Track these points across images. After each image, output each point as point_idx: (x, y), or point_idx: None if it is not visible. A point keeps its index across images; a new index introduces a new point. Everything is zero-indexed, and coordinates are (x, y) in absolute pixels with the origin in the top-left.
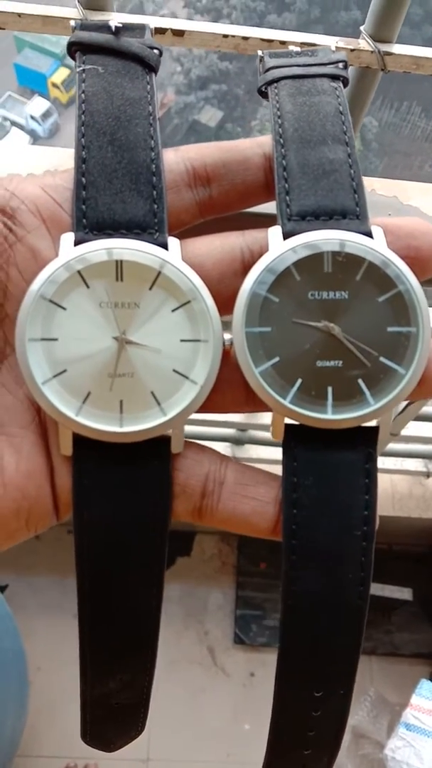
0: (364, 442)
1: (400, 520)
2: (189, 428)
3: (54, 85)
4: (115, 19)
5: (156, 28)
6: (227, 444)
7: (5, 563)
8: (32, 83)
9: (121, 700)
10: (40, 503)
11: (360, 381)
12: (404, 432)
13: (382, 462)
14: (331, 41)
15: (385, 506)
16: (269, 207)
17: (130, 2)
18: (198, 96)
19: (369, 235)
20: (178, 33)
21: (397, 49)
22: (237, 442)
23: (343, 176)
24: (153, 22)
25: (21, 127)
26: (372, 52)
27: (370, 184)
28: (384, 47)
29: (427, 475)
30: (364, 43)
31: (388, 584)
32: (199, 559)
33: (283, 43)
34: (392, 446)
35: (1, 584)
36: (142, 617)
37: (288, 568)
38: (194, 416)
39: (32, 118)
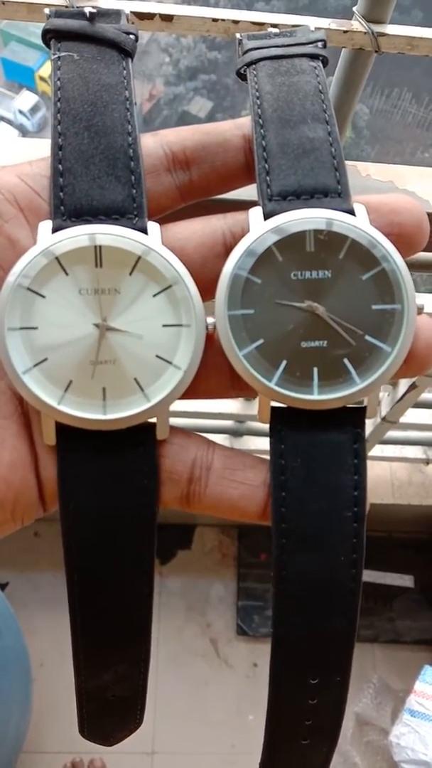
0: (351, 422)
1: (400, 507)
2: (185, 421)
3: (42, 78)
4: (96, 4)
5: (143, 14)
6: (225, 436)
7: (5, 561)
8: (20, 77)
9: (117, 692)
10: (25, 494)
11: (345, 360)
12: (403, 419)
13: (381, 450)
14: (323, 23)
15: (385, 494)
16: (252, 193)
17: None
18: (187, 87)
19: (351, 212)
20: (167, 18)
21: (391, 29)
22: (235, 433)
23: (323, 154)
24: (140, 7)
25: (9, 122)
26: (365, 33)
27: (365, 169)
28: (377, 28)
29: (427, 462)
30: (357, 24)
31: (389, 572)
32: (200, 552)
33: (274, 26)
34: (391, 434)
35: (2, 582)
36: (134, 607)
37: (278, 553)
38: (190, 408)
39: (20, 112)
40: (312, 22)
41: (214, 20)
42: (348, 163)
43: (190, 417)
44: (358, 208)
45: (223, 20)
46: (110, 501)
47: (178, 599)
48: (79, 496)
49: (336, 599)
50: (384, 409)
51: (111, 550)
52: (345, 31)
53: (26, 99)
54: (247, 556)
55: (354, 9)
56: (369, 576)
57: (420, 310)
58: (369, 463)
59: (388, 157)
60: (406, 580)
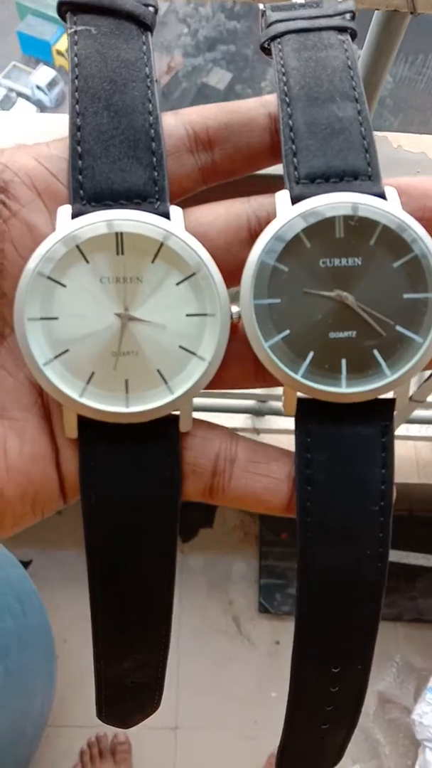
0: (380, 415)
1: (425, 486)
2: (207, 401)
3: (59, 52)
4: None
5: None
6: (248, 416)
7: (28, 539)
8: (37, 51)
9: (137, 679)
10: (45, 487)
11: (375, 352)
12: (429, 398)
13: (406, 429)
14: None
15: (409, 473)
16: (276, 168)
17: None
18: (206, 58)
19: (382, 196)
20: None
21: None
22: (257, 413)
23: (353, 135)
24: None
25: (27, 97)
26: None
27: (396, 140)
28: None
29: None
30: None
31: (412, 550)
32: (222, 530)
33: None
34: (416, 413)
35: (25, 560)
36: (155, 598)
37: (303, 546)
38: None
39: (38, 88)
40: None
41: None
42: (378, 133)
43: (212, 397)
44: (389, 191)
45: None
46: (132, 494)
47: (200, 577)
48: (101, 489)
49: (360, 592)
50: (411, 389)
51: (133, 543)
52: None
53: (43, 74)
54: (269, 534)
55: None
56: (392, 555)
57: None
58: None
59: (413, 126)
60: (430, 560)
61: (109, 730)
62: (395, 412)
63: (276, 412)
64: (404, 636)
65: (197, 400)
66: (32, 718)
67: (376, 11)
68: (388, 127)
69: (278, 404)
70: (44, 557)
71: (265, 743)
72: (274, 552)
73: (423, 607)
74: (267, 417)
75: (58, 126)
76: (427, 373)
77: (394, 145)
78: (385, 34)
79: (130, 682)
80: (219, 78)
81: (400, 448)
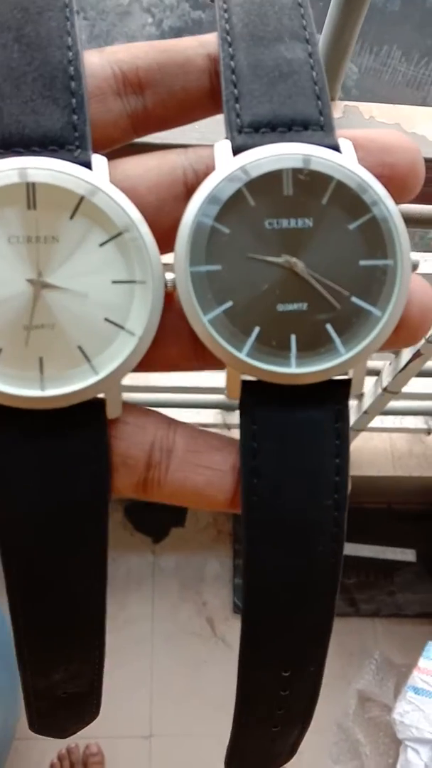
0: (334, 398)
1: (401, 479)
2: (174, 396)
3: None
4: None
5: None
6: (218, 411)
7: None
8: None
9: (70, 689)
10: None
11: (328, 326)
12: (404, 389)
13: (380, 421)
14: None
15: (385, 465)
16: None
17: None
18: None
19: (336, 149)
20: None
21: None
22: (228, 408)
23: (303, 79)
24: None
25: None
26: None
27: (368, 110)
28: None
29: (428, 432)
30: None
31: (390, 544)
32: (194, 529)
33: None
34: (391, 404)
35: None
36: (85, 606)
37: (249, 545)
38: (178, 383)
39: None
40: None
41: None
42: (349, 103)
43: (178, 392)
44: (344, 143)
45: None
46: (53, 492)
47: (173, 578)
48: (15, 487)
49: (312, 593)
50: (386, 380)
51: (56, 546)
52: None
53: None
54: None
55: None
56: (369, 551)
57: (414, 267)
58: (368, 434)
59: None
60: (407, 555)
61: (80, 742)
62: (367, 395)
63: None
64: (383, 632)
65: (159, 397)
66: None
67: None
68: None
69: None
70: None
71: None
72: None
73: (401, 601)
74: (237, 412)
75: None
76: (402, 362)
77: (366, 116)
78: None
79: (62, 693)
80: None
81: (375, 441)
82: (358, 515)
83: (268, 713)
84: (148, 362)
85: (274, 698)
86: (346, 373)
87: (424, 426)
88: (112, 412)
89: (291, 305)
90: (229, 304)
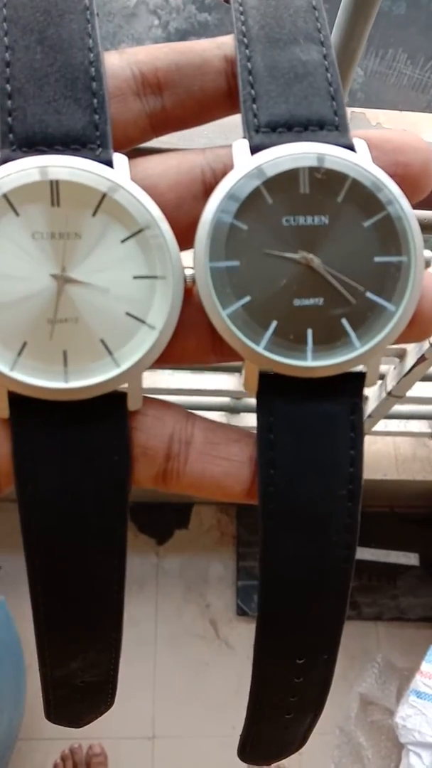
0: (349, 391)
1: (405, 483)
2: (180, 399)
3: None
4: None
5: None
6: (222, 413)
7: None
8: None
9: (87, 678)
10: None
11: (344, 321)
12: (408, 393)
13: (384, 424)
14: None
15: (389, 469)
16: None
17: None
18: None
19: (351, 148)
20: None
21: None
22: (233, 410)
23: (318, 80)
24: None
25: None
26: None
27: (375, 116)
28: None
29: None
30: None
31: (393, 548)
32: (198, 531)
33: None
34: (396, 408)
35: None
36: (104, 595)
37: (266, 535)
38: (183, 385)
39: None
40: None
41: None
42: (356, 110)
43: (183, 394)
44: (358, 143)
45: None
46: (75, 480)
47: (177, 580)
48: (39, 476)
49: (327, 582)
50: (390, 384)
51: (77, 536)
52: None
53: None
54: (246, 534)
55: None
56: (372, 554)
57: (428, 263)
58: (372, 438)
59: None
60: (410, 558)
61: (83, 742)
62: (372, 399)
63: (252, 410)
64: (385, 635)
65: (164, 399)
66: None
67: None
68: None
69: (254, 401)
70: (15, 563)
71: None
72: (252, 552)
73: (404, 605)
74: (242, 414)
75: None
76: (407, 367)
77: (373, 122)
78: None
79: (80, 682)
80: None
81: (379, 444)
82: (361, 519)
83: (282, 700)
84: (167, 355)
85: (288, 685)
86: (360, 367)
87: (428, 430)
88: (133, 404)
89: (307, 300)
90: (248, 298)
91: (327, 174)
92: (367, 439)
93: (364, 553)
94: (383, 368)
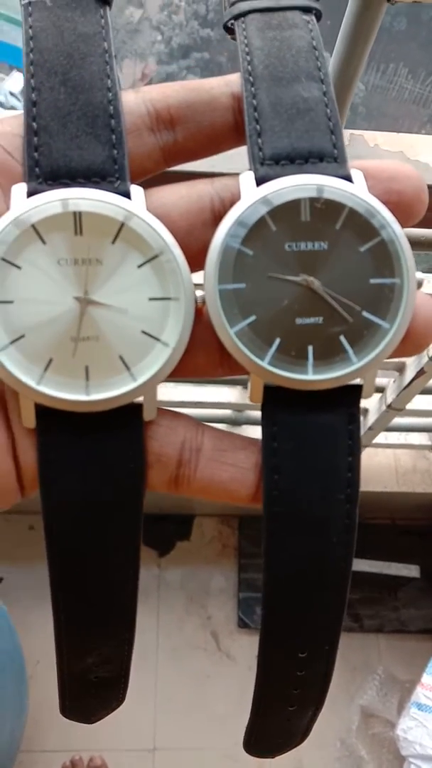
0: (347, 403)
1: (405, 495)
2: (182, 411)
3: None
4: None
5: None
6: (224, 426)
7: (0, 556)
8: (9, 58)
9: (101, 674)
10: (1, 479)
11: (342, 338)
12: (408, 406)
13: (384, 437)
14: None
15: (390, 481)
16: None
17: None
18: (180, 65)
19: (348, 179)
20: None
21: None
22: (234, 423)
23: (319, 116)
24: None
25: (0, 104)
26: None
27: (373, 138)
28: None
29: None
30: None
31: (394, 560)
32: (199, 543)
33: None
34: (396, 420)
35: None
36: (120, 593)
37: (270, 536)
38: (187, 398)
39: (12, 94)
40: None
41: None
42: (354, 132)
43: (187, 407)
44: (355, 174)
45: None
46: (95, 485)
47: (178, 591)
48: (62, 481)
49: (328, 580)
50: (390, 396)
51: (96, 535)
52: None
53: (17, 80)
54: (248, 546)
55: None
56: (374, 566)
57: (419, 285)
58: (373, 450)
59: None
60: (411, 570)
61: (84, 754)
62: (372, 412)
63: (253, 422)
64: (386, 648)
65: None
66: (1, 749)
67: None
68: None
69: (255, 413)
70: (17, 575)
71: (246, 763)
72: (254, 564)
73: (405, 617)
74: (244, 426)
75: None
76: (406, 380)
77: (371, 144)
78: (361, 22)
79: (94, 677)
80: None
81: (380, 456)
82: (362, 531)
83: (285, 693)
84: (179, 370)
85: (291, 678)
86: (358, 380)
87: (429, 442)
88: (148, 414)
89: (308, 319)
90: (253, 318)
91: (326, 204)
92: (368, 452)
93: (365, 565)
94: (383, 381)
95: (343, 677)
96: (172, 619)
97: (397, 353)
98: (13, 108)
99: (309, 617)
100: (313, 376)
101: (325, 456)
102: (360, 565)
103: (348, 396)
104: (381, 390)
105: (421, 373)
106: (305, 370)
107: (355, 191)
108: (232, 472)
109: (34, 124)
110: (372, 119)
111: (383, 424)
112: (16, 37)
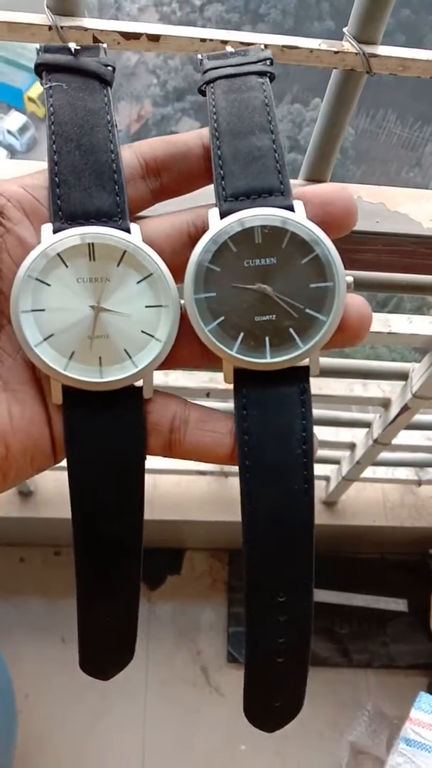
0: (298, 379)
1: (393, 530)
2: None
3: (30, 99)
4: (82, 24)
5: (130, 33)
6: (205, 402)
7: None
8: (9, 98)
9: (115, 627)
10: (41, 444)
11: (291, 330)
12: (394, 441)
13: (372, 471)
14: (313, 43)
15: (377, 516)
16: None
17: (105, 15)
18: (175, 107)
19: (291, 208)
20: (153, 38)
21: (382, 50)
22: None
23: (269, 160)
24: (127, 27)
25: None
26: (356, 54)
27: (355, 191)
28: (369, 49)
29: (419, 483)
30: (348, 45)
31: (383, 593)
32: (190, 577)
33: (266, 46)
34: (383, 455)
35: None
36: (128, 542)
37: (244, 485)
38: (175, 384)
39: (9, 132)
40: (302, 43)
41: (202, 41)
42: (338, 185)
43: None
44: (296, 204)
45: (211, 40)
46: (108, 447)
47: (168, 626)
48: (82, 444)
49: (295, 522)
50: (376, 431)
51: (110, 487)
52: (336, 52)
53: (15, 119)
54: (238, 581)
55: (344, 30)
56: (362, 600)
57: (349, 286)
58: (361, 484)
59: (374, 177)
60: (399, 605)
61: None
62: (359, 446)
63: (222, 398)
64: (375, 683)
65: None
66: None
67: (334, 69)
68: (351, 177)
69: (227, 391)
70: (7, 606)
71: None
72: (243, 598)
73: (394, 652)
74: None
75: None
76: (392, 416)
77: (354, 196)
78: (343, 91)
79: (110, 632)
80: (188, 127)
81: (369, 491)
82: (352, 565)
83: (272, 639)
84: (169, 360)
85: (274, 624)
86: (306, 361)
87: (415, 477)
88: (147, 393)
89: (264, 317)
90: (222, 318)
91: (272, 230)
92: (356, 486)
93: (354, 599)
94: (369, 417)
95: (332, 713)
96: (161, 653)
97: (338, 342)
98: (10, 145)
99: (280, 558)
100: (270, 359)
101: (284, 419)
102: (348, 599)
103: (299, 374)
104: (368, 425)
105: (405, 408)
106: (264, 355)
107: (295, 218)
108: (213, 437)
109: (57, 179)
110: (362, 162)
111: (370, 459)
112: (15, 79)
